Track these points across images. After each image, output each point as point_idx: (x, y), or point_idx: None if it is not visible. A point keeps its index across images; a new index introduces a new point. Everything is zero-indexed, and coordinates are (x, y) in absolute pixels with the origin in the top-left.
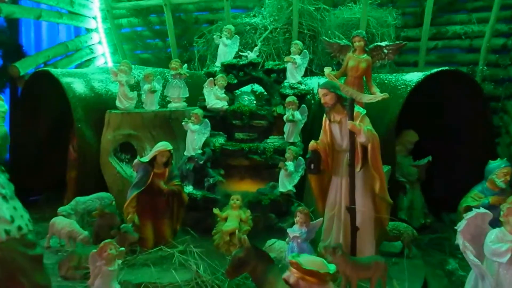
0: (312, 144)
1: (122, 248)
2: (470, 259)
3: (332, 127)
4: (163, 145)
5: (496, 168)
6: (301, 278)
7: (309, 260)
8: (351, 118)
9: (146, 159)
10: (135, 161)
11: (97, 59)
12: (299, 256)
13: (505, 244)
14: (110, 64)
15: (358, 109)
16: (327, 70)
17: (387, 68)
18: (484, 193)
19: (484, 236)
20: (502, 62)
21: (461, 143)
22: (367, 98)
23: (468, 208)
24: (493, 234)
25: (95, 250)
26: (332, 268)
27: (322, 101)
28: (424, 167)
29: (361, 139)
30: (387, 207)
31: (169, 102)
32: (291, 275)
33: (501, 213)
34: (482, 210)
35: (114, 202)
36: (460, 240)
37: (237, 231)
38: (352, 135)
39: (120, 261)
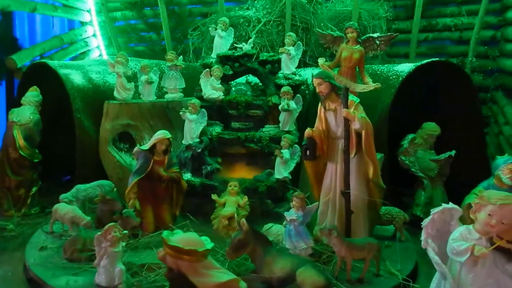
0: (307, 131)
1: (125, 231)
2: (431, 257)
3: (327, 115)
4: (162, 133)
5: (502, 164)
6: (168, 254)
7: (181, 238)
8: (346, 106)
9: (146, 147)
10: (136, 149)
11: (92, 51)
12: (173, 234)
13: (466, 243)
14: (105, 56)
15: (352, 98)
16: (321, 60)
17: (379, 59)
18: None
19: None
20: (491, 53)
21: (451, 132)
22: (360, 87)
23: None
24: (458, 231)
25: (100, 233)
26: (207, 246)
27: (317, 90)
28: (446, 162)
29: (355, 126)
30: (380, 192)
31: (166, 92)
32: (161, 250)
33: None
34: (450, 205)
35: (115, 189)
36: (422, 236)
37: (235, 215)
38: (347, 122)
39: (124, 243)
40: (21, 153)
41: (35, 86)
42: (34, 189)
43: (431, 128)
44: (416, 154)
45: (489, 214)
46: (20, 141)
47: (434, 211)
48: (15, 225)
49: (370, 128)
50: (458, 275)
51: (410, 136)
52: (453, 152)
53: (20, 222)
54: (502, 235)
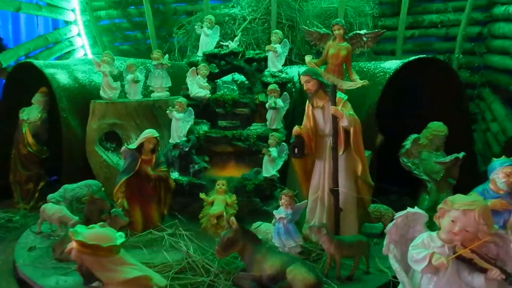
0: (296, 129)
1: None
2: (391, 264)
3: (315, 113)
4: (150, 132)
5: (498, 167)
6: (75, 248)
7: (91, 233)
8: (334, 103)
9: (133, 146)
10: (123, 148)
11: (76, 51)
12: (86, 228)
13: (425, 251)
14: (90, 56)
15: (340, 95)
16: (308, 58)
17: (365, 56)
18: (484, 195)
19: None
20: (477, 50)
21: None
22: (347, 84)
23: None
24: (420, 238)
25: None
26: (116, 241)
27: (305, 88)
28: (453, 165)
29: (343, 123)
30: (368, 189)
31: (152, 91)
32: (70, 244)
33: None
34: (415, 209)
35: (103, 188)
36: (384, 241)
37: (224, 213)
38: (335, 119)
39: None
40: (30, 149)
41: (44, 87)
42: (41, 183)
43: (436, 128)
44: (420, 156)
45: (452, 221)
46: (29, 138)
47: (397, 215)
48: (21, 217)
49: (358, 125)
50: (419, 285)
51: (413, 136)
52: (461, 154)
53: (26, 214)
54: (465, 244)
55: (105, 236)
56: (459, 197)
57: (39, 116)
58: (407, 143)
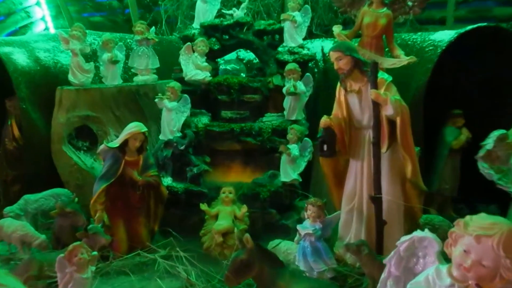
0: (324, 120)
1: (95, 252)
2: None
3: (349, 98)
4: (136, 126)
5: None
6: None
7: None
8: (375, 85)
9: (115, 144)
10: (102, 147)
11: (35, 24)
12: None
13: None
14: (52, 30)
15: (382, 75)
16: (336, 29)
17: (407, 26)
18: None
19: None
20: None
21: (503, 116)
22: (389, 62)
23: None
24: (424, 274)
25: (62, 255)
26: None
27: (336, 67)
28: None
29: (387, 111)
30: (419, 196)
31: (135, 74)
32: None
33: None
34: (424, 233)
35: (76, 199)
36: (382, 275)
37: (235, 229)
38: (376, 107)
39: (93, 268)
40: (16, 144)
41: None
42: None
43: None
44: (510, 160)
45: (464, 250)
46: (15, 131)
47: (400, 241)
48: None
49: (406, 114)
50: None
51: (498, 133)
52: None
53: None
54: (482, 284)
55: None
56: (478, 217)
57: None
58: (489, 142)
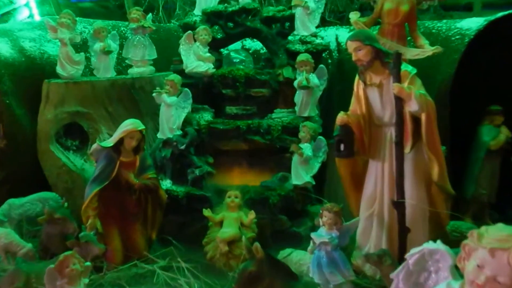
0: (341, 116)
1: (88, 263)
2: None
3: (369, 93)
4: (132, 124)
5: None
6: None
7: None
8: (398, 79)
9: (109, 143)
10: (94, 146)
11: (18, 11)
12: None
13: None
14: (37, 17)
15: (405, 67)
16: (354, 16)
17: (430, 12)
18: None
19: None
20: None
21: None
22: (412, 53)
23: None
24: None
25: (53, 265)
26: None
27: (354, 58)
28: None
29: (411, 107)
30: (446, 200)
31: (130, 66)
32: None
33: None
34: (436, 245)
35: (66, 204)
36: None
37: (243, 237)
38: (399, 102)
39: (86, 280)
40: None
41: None
42: None
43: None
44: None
45: (477, 265)
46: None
47: (409, 253)
48: None
49: (432, 110)
50: None
51: None
52: None
53: None
54: None
55: None
56: (494, 228)
57: None
58: None
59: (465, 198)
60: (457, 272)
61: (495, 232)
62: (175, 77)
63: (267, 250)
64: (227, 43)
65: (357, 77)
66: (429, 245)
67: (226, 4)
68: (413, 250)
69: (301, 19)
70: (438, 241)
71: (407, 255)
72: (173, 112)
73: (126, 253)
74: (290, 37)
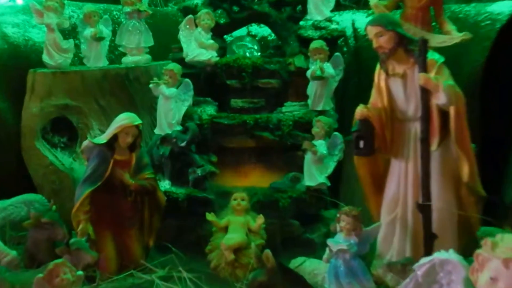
0: (360, 110)
1: (80, 272)
2: None
3: (391, 84)
4: (127, 118)
5: None
6: None
7: None
8: (424, 68)
9: (102, 139)
10: (85, 143)
11: None
12: None
13: None
14: (20, 1)
15: (432, 56)
16: None
17: None
18: None
19: None
20: None
21: None
22: (438, 40)
23: None
24: None
25: (41, 275)
26: None
27: (375, 45)
28: None
29: (439, 100)
30: (477, 203)
31: (124, 54)
32: None
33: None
34: (448, 255)
35: (54, 207)
36: None
37: (252, 245)
38: (425, 94)
39: None
40: None
41: None
42: None
43: None
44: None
45: (491, 278)
46: None
47: (418, 264)
48: None
49: (462, 103)
50: None
51: None
52: None
53: None
54: None
55: None
56: (510, 236)
57: None
58: None
59: (504, 203)
60: (471, 285)
61: (509, 240)
62: (174, 67)
63: (277, 257)
64: (232, 28)
65: (378, 67)
66: (440, 255)
67: None
68: (423, 260)
69: (314, 2)
70: (451, 251)
71: (415, 266)
72: (172, 106)
73: (121, 262)
74: (302, 22)
